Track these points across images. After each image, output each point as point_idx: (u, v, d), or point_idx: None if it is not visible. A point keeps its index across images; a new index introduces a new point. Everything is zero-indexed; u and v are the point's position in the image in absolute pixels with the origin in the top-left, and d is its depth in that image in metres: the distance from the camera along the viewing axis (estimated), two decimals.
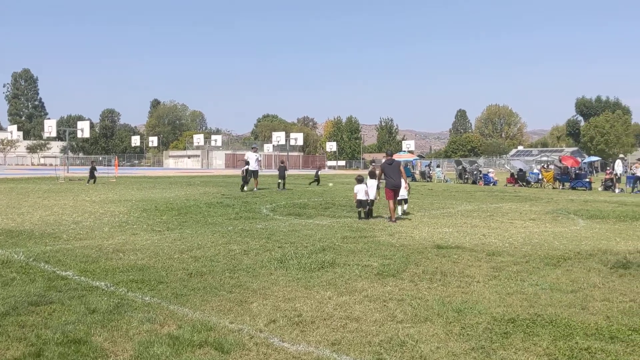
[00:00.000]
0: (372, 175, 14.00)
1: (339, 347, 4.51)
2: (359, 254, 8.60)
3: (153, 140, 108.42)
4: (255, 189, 23.47)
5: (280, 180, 25.33)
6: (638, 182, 27.69)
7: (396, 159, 14.18)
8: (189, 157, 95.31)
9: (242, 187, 23.24)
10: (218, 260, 7.95)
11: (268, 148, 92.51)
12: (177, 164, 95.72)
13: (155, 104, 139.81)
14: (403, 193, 14.39)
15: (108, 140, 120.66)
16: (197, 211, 14.61)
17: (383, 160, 14.00)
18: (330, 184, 30.65)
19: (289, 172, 30.99)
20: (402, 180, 13.72)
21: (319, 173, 31.40)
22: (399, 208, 14.74)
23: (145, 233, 10.65)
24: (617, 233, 11.53)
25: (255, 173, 23.89)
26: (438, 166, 48.80)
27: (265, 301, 5.81)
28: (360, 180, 13.95)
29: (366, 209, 13.71)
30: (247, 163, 23.68)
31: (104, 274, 6.96)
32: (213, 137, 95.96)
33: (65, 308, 5.45)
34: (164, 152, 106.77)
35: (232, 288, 6.34)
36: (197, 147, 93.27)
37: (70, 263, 7.62)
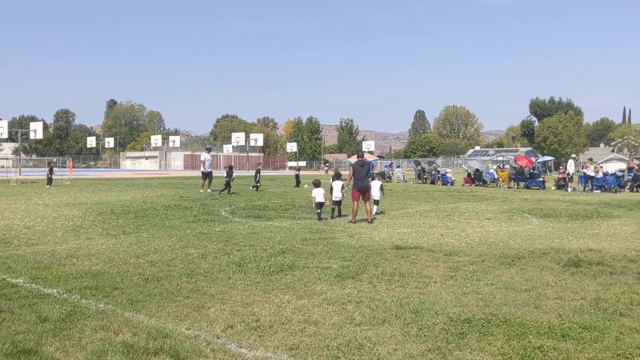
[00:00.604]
0: (338, 176, 14.35)
1: (297, 351, 4.50)
2: (319, 256, 8.60)
3: (109, 142, 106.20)
4: (208, 190, 23.33)
5: (257, 184, 25.78)
6: (589, 181, 28.55)
7: (367, 160, 14.27)
8: (146, 158, 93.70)
9: (228, 190, 22.65)
10: (175, 265, 7.83)
11: (227, 149, 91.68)
12: (134, 165, 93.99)
13: (112, 104, 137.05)
14: (376, 194, 14.77)
15: (62, 142, 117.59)
16: (154, 214, 14.37)
17: (354, 161, 14.19)
18: (306, 186, 30.63)
19: (251, 173, 30.87)
20: (376, 182, 14.40)
21: (299, 174, 31.59)
22: (375, 208, 15.06)
23: (100, 237, 10.42)
24: (569, 232, 11.86)
25: (209, 174, 23.77)
26: (398, 166, 49.40)
27: (223, 306, 5.75)
28: (317, 184, 14.25)
29: (325, 209, 13.98)
30: (231, 168, 23.70)
31: (57, 281, 6.77)
32: (171, 137, 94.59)
33: (15, 317, 5.28)
34: (120, 153, 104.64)
35: (189, 293, 6.26)
36: (155, 148, 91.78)
37: (21, 270, 7.39)
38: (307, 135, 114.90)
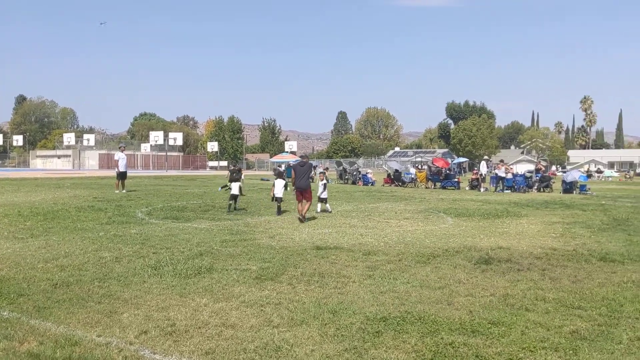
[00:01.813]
0: (280, 175, 16.10)
1: (213, 355, 4.42)
2: (238, 257, 8.50)
3: (18, 139, 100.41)
4: (123, 190, 22.58)
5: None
6: (500, 181, 29.92)
7: (308, 161, 15.15)
8: (58, 157, 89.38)
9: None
10: (87, 269, 7.50)
11: (145, 148, 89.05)
12: (45, 164, 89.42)
13: (21, 100, 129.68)
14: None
15: None
16: (65, 216, 13.71)
17: (293, 162, 15.58)
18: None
19: (170, 173, 30.10)
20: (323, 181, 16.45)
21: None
22: (325, 206, 16.40)
23: (5, 241, 9.81)
24: (481, 230, 12.36)
25: (123, 174, 23.03)
26: (327, 169, 49.93)
27: (137, 311, 5.57)
28: (236, 175, 16.21)
29: (237, 202, 15.95)
30: (237, 173, 22.34)
31: None
32: (85, 136, 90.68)
33: None
34: (30, 152, 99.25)
35: (101, 298, 6.01)
36: (68, 147, 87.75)
37: None
38: (229, 134, 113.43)
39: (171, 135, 79.54)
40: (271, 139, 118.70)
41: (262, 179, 43.00)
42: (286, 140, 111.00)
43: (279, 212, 15.15)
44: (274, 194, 15.20)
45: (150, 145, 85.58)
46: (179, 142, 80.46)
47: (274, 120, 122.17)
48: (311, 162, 15.50)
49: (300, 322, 5.27)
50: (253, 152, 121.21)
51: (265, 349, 4.56)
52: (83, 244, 9.53)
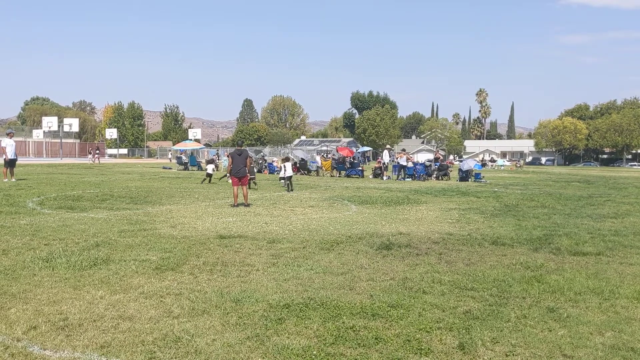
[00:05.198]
0: (211, 161, 21.79)
1: (108, 349, 4.24)
2: (137, 248, 8.20)
3: None
4: (13, 179, 21.16)
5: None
6: (402, 170, 30.90)
7: (244, 149, 15.52)
8: None
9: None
10: None
11: (38, 134, 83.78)
12: None
13: None
14: (290, 172, 20.17)
15: None
16: None
17: (232, 150, 16.67)
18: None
19: (65, 161, 28.43)
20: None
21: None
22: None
23: None
24: (383, 217, 12.70)
25: (12, 162, 21.58)
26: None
27: (25, 306, 5.23)
28: (286, 159, 20.72)
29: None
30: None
31: None
32: None
33: None
34: None
35: None
36: None
37: None
38: (129, 121, 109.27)
39: (66, 121, 75.28)
40: (174, 126, 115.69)
41: (163, 167, 41.85)
42: (190, 127, 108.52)
43: (204, 181, 21.23)
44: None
45: (43, 131, 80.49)
46: (75, 128, 76.31)
47: (177, 107, 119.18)
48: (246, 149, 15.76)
49: (202, 311, 5.17)
50: (155, 140, 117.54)
51: (164, 340, 4.43)
52: None
